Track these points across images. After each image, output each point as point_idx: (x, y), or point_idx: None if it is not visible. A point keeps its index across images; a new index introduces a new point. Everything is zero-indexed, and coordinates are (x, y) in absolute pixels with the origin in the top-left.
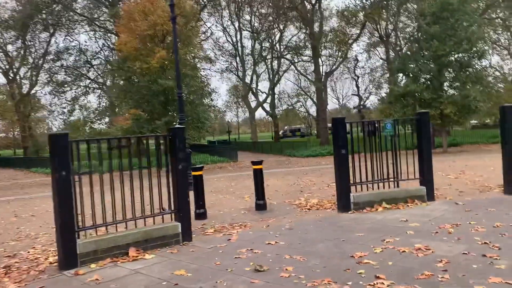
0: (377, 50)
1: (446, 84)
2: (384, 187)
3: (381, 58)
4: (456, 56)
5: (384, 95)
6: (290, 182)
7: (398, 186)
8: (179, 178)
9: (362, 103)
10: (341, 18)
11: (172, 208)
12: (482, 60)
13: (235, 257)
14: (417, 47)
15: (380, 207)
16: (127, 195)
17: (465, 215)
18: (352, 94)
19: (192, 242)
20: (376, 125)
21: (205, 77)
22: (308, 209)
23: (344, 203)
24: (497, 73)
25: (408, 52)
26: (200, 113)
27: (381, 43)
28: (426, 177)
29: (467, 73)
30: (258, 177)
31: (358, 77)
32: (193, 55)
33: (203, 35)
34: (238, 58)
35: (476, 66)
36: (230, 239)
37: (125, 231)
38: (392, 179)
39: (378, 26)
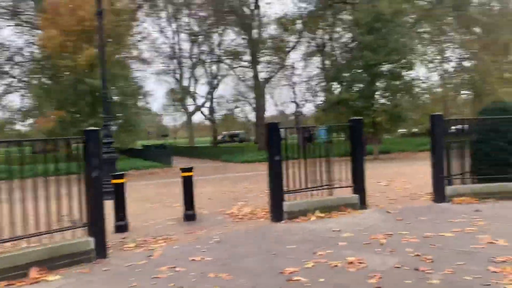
0: (314, 60)
1: (377, 93)
2: (318, 195)
3: (317, 67)
4: (387, 66)
5: (319, 102)
6: (224, 189)
7: (331, 194)
8: (93, 187)
9: (298, 110)
10: (279, 25)
11: (85, 221)
12: (411, 71)
13: (154, 277)
14: (351, 56)
15: (314, 216)
16: (33, 206)
17: (397, 224)
18: (290, 101)
19: (108, 260)
20: (311, 131)
21: (140, 79)
22: (241, 218)
23: (277, 212)
24: (424, 85)
25: (343, 61)
26: (132, 116)
27: (318, 53)
28: (359, 184)
29: (397, 83)
30: (188, 185)
31: (295, 84)
32: (126, 54)
33: (139, 35)
34: (175, 60)
35: (406, 77)
36: (151, 256)
37: (26, 248)
38: (325, 187)
39: (315, 36)
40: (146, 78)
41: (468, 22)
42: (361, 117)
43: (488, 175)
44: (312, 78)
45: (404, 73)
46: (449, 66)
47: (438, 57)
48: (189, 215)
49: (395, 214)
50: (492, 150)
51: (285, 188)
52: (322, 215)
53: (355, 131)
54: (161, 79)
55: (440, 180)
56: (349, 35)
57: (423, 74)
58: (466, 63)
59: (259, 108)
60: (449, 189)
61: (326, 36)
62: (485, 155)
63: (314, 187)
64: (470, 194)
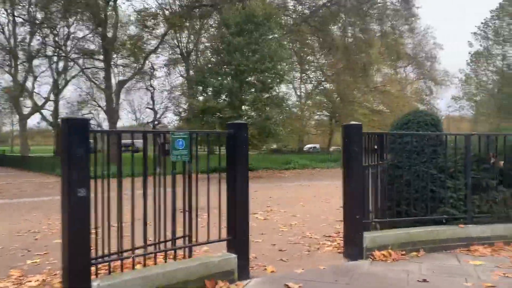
0: (178, 68)
1: (247, 103)
2: (166, 259)
3: (181, 76)
4: (258, 75)
5: (182, 110)
6: (26, 226)
7: (190, 254)
8: None
9: (158, 118)
10: (138, 21)
11: None
12: (282, 84)
13: None
14: (219, 59)
15: None
16: None
17: None
18: (147, 107)
19: None
20: (160, 140)
21: None
22: None
23: None
24: (289, 102)
25: (209, 65)
26: None
27: (182, 61)
28: (239, 234)
29: (268, 95)
30: None
31: (154, 89)
32: None
33: None
34: (9, 51)
35: (277, 90)
36: None
37: None
38: (181, 242)
39: (180, 44)
40: None
41: (329, 44)
42: (245, 122)
43: (410, 215)
44: (175, 87)
45: (274, 85)
46: (310, 86)
47: (298, 76)
48: None
49: None
50: (416, 179)
51: (99, 251)
52: None
53: (236, 142)
54: None
55: (357, 225)
56: (218, 36)
57: (284, 91)
58: (326, 84)
59: (111, 114)
60: (367, 238)
61: (191, 46)
62: (406, 186)
63: (155, 244)
64: (394, 245)
